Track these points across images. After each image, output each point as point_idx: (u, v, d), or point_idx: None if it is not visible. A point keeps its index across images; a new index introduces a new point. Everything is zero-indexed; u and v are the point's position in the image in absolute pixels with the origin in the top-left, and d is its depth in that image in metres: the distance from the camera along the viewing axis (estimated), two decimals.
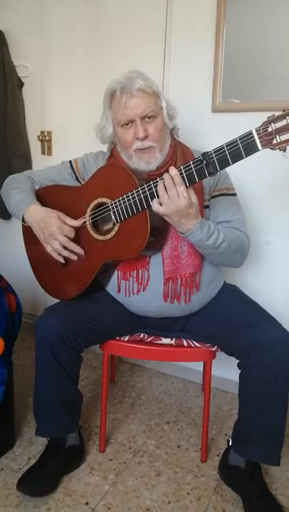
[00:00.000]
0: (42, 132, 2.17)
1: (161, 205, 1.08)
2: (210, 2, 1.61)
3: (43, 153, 2.19)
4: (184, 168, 1.07)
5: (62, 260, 1.26)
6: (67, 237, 1.22)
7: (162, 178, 1.08)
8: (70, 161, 1.42)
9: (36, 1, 2.04)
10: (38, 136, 2.18)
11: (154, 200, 1.10)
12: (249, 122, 1.08)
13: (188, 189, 1.06)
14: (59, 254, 1.24)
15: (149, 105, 1.20)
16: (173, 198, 1.05)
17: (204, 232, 1.12)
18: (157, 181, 1.11)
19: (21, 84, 2.16)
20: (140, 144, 1.21)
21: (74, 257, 1.24)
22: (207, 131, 1.68)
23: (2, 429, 1.46)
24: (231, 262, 1.28)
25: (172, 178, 1.06)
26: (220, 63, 1.63)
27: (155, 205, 1.09)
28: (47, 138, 2.16)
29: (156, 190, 1.10)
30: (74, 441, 1.40)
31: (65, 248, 1.23)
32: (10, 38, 2.12)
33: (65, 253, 1.24)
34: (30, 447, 1.49)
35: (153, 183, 1.11)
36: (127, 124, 1.22)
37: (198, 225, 1.11)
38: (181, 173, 1.07)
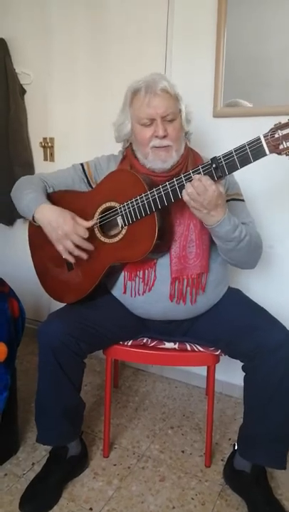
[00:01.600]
0: (44, 139, 2.18)
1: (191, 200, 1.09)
2: (211, 6, 1.63)
3: (45, 159, 2.21)
4: (192, 172, 1.10)
5: (72, 260, 1.26)
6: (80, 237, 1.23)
7: (175, 181, 1.12)
8: (81, 164, 1.42)
9: (37, 8, 2.07)
10: (41, 143, 2.19)
11: (183, 192, 1.10)
12: (250, 127, 1.10)
13: (215, 182, 1.08)
14: (70, 253, 1.24)
15: (170, 106, 1.23)
16: (202, 192, 1.06)
17: (231, 223, 1.14)
18: (166, 185, 1.13)
19: (23, 91, 2.18)
20: (158, 142, 1.23)
21: (84, 256, 1.25)
22: (208, 136, 1.68)
23: (6, 434, 1.45)
24: (248, 261, 1.29)
25: (198, 179, 1.08)
26: (221, 68, 1.65)
27: (185, 197, 1.10)
28: (49, 144, 2.18)
29: (165, 194, 1.13)
30: (75, 451, 1.39)
31: (77, 247, 1.23)
32: (12, 45, 2.14)
33: (77, 252, 1.24)
34: (33, 453, 1.49)
35: (162, 187, 1.14)
36: (148, 123, 1.24)
37: (227, 215, 1.12)
38: (190, 177, 1.09)
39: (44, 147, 2.19)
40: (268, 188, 1.66)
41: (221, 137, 1.66)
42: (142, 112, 1.24)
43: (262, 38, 1.59)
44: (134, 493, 1.34)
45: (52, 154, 2.19)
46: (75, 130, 2.07)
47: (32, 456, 1.48)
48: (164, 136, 1.22)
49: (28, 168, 2.22)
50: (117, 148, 1.43)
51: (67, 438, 1.36)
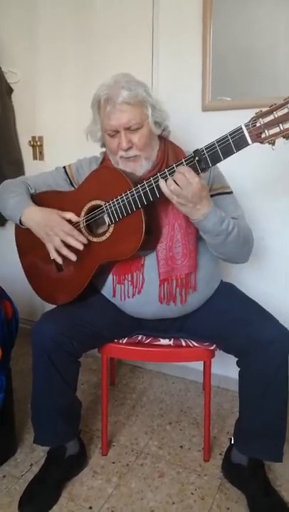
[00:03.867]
0: (33, 137, 2.17)
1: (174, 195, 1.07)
2: (196, 1, 1.61)
3: (34, 158, 2.19)
4: (176, 166, 1.08)
5: (60, 260, 1.25)
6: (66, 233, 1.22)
7: (159, 176, 1.10)
8: (64, 167, 1.42)
9: (25, 6, 2.04)
10: (30, 142, 2.18)
11: (164, 188, 1.08)
12: (240, 120, 1.08)
13: (198, 175, 1.06)
14: (58, 253, 1.24)
15: (134, 117, 1.18)
16: (185, 185, 1.05)
17: (218, 215, 1.12)
18: (150, 180, 1.12)
19: (11, 90, 2.16)
20: (124, 153, 1.22)
21: (73, 257, 1.22)
22: (197, 130, 1.67)
23: (3, 436, 1.45)
24: (239, 255, 1.27)
25: (182, 173, 1.06)
26: (208, 62, 1.64)
27: (168, 192, 1.07)
28: (38, 143, 2.16)
29: (150, 190, 1.12)
30: (74, 450, 1.39)
31: (65, 245, 1.22)
32: None
33: (65, 251, 1.23)
34: (31, 454, 1.49)
35: (146, 183, 1.13)
36: (112, 134, 1.22)
37: (212, 208, 1.11)
38: (173, 171, 1.08)
39: (33, 146, 2.18)
40: (258, 179, 1.65)
41: (210, 131, 1.62)
42: (105, 124, 1.22)
43: (251, 31, 1.57)
44: (134, 490, 1.34)
45: (41, 153, 2.17)
46: (64, 128, 2.06)
47: (30, 457, 1.47)
48: (129, 148, 1.20)
49: (18, 167, 2.21)
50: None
51: (64, 438, 1.35)
